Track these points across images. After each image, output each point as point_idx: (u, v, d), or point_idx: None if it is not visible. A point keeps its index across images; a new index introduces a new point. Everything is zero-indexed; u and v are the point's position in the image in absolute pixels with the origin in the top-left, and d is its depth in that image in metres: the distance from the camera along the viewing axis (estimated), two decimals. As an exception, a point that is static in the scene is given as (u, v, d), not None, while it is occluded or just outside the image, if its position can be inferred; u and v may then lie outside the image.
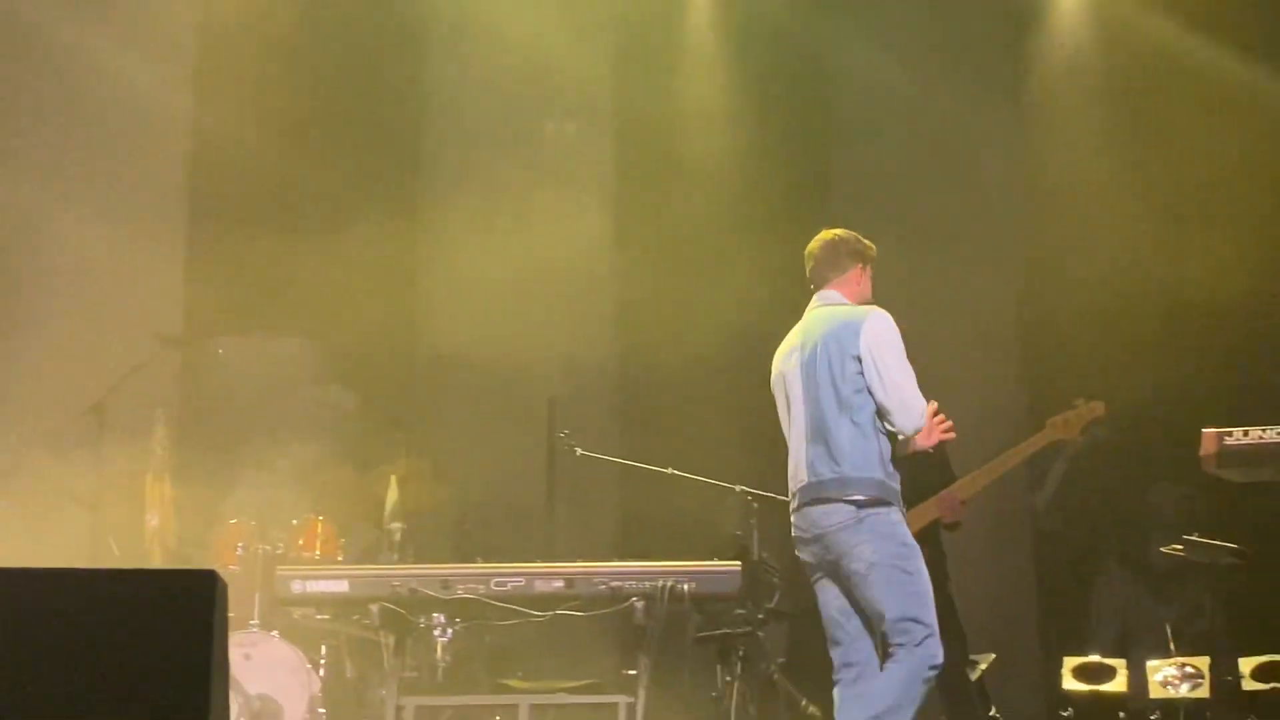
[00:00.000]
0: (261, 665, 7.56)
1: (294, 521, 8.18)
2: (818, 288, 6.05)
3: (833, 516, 5.70)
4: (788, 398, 5.95)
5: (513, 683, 7.37)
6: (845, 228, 8.47)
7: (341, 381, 9.24)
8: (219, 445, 8.43)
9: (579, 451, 7.89)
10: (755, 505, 7.54)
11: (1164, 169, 8.82)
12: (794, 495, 5.88)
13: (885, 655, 5.69)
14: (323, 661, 8.00)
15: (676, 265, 9.31)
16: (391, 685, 6.47)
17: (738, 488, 7.57)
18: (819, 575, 5.85)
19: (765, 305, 8.79)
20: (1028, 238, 9.39)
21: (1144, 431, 6.82)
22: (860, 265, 6.06)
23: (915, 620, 5.62)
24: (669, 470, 7.68)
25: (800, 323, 6.06)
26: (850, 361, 5.74)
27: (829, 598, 5.79)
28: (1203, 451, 6.02)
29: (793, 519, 5.92)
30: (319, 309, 9.10)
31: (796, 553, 5.95)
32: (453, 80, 9.75)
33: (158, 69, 9.07)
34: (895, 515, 5.72)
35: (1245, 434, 6.13)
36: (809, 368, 5.83)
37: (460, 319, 9.08)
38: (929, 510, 6.99)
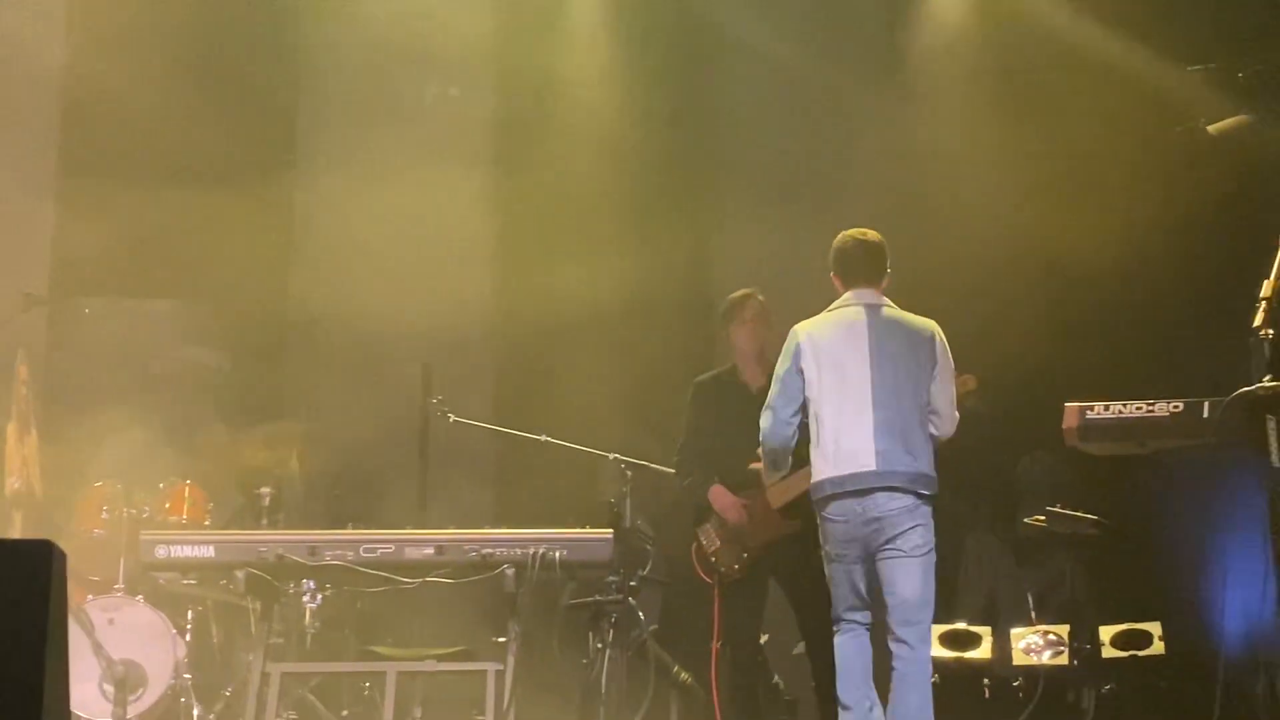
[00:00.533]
0: (125, 630, 7.48)
1: (161, 485, 8.08)
2: (856, 285, 6.38)
3: (898, 502, 6.15)
4: (839, 377, 6.28)
5: (381, 650, 7.31)
6: (728, 197, 8.50)
7: (213, 344, 9.13)
8: (84, 406, 8.28)
9: (452, 418, 7.84)
10: (629, 473, 7.51)
11: (1039, 144, 8.87)
12: (852, 477, 6.23)
13: (889, 634, 6.18)
14: (189, 627, 7.90)
15: (556, 232, 9.29)
16: (258, 651, 6.40)
17: (612, 455, 7.55)
18: (855, 556, 6.22)
19: (644, 274, 9.02)
20: (905, 212, 9.40)
21: (1016, 403, 6.88)
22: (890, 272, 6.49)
23: (931, 604, 6.23)
24: (543, 438, 7.66)
25: (855, 312, 6.36)
26: (928, 371, 6.26)
27: (856, 576, 6.23)
28: (1065, 425, 6.04)
29: (849, 501, 6.23)
30: (192, 269, 9.00)
31: (835, 528, 6.21)
32: (332, 42, 9.64)
33: (29, 19, 8.93)
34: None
35: (1106, 408, 6.13)
36: (889, 368, 6.24)
37: (336, 282, 9.01)
38: (805, 479, 6.81)
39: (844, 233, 6.52)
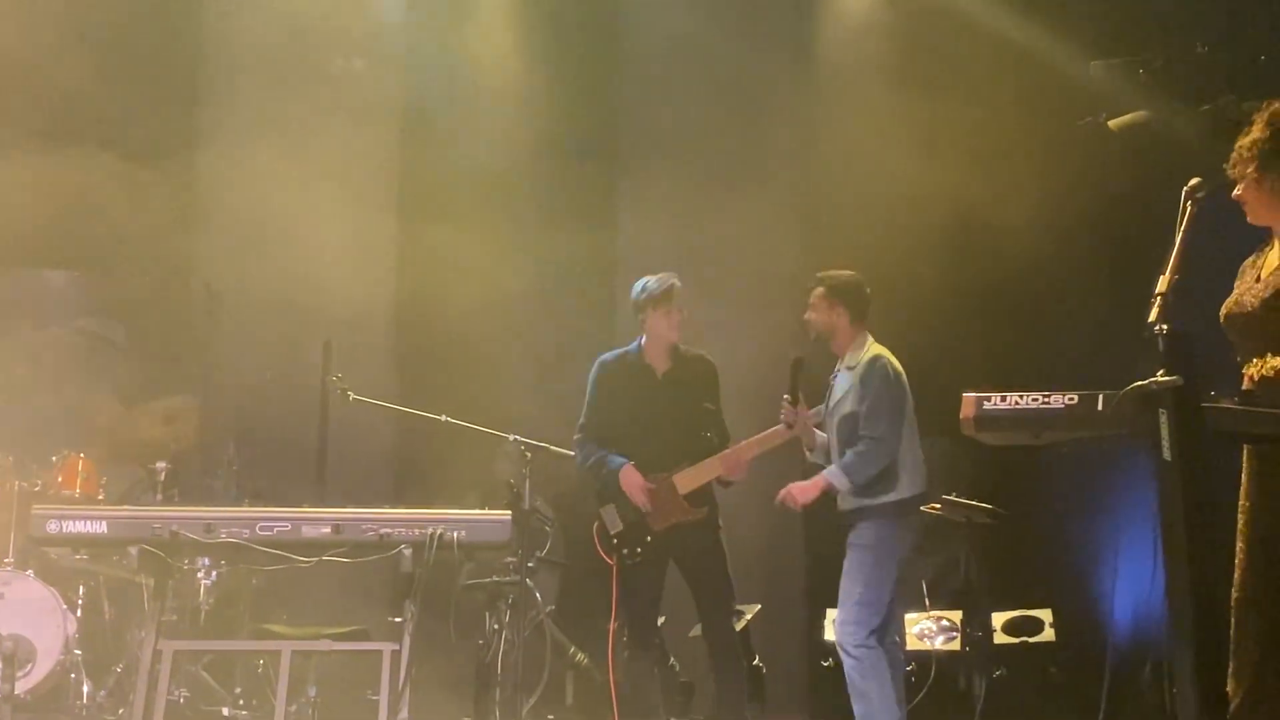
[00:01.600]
0: (14, 605, 7.38)
1: (53, 458, 7.96)
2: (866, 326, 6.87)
3: None
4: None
5: (276, 628, 7.23)
6: (635, 179, 8.80)
7: (110, 315, 9.02)
8: (-25, 377, 8.04)
9: (352, 396, 7.72)
10: (529, 455, 7.48)
11: (951, 129, 8.88)
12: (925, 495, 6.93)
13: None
14: (80, 602, 7.80)
15: (461, 209, 9.18)
16: (150, 628, 6.24)
17: (511, 437, 7.52)
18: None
19: (549, 255, 9.04)
20: (817, 196, 9.31)
21: (917, 388, 6.92)
22: None
23: None
24: (443, 418, 7.56)
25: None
26: None
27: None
28: (962, 414, 5.88)
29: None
30: (89, 240, 8.82)
31: (914, 537, 6.75)
32: (236, 9, 9.47)
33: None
34: None
35: (1003, 399, 5.95)
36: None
37: (237, 255, 8.83)
38: (712, 467, 6.98)
39: (851, 274, 6.91)
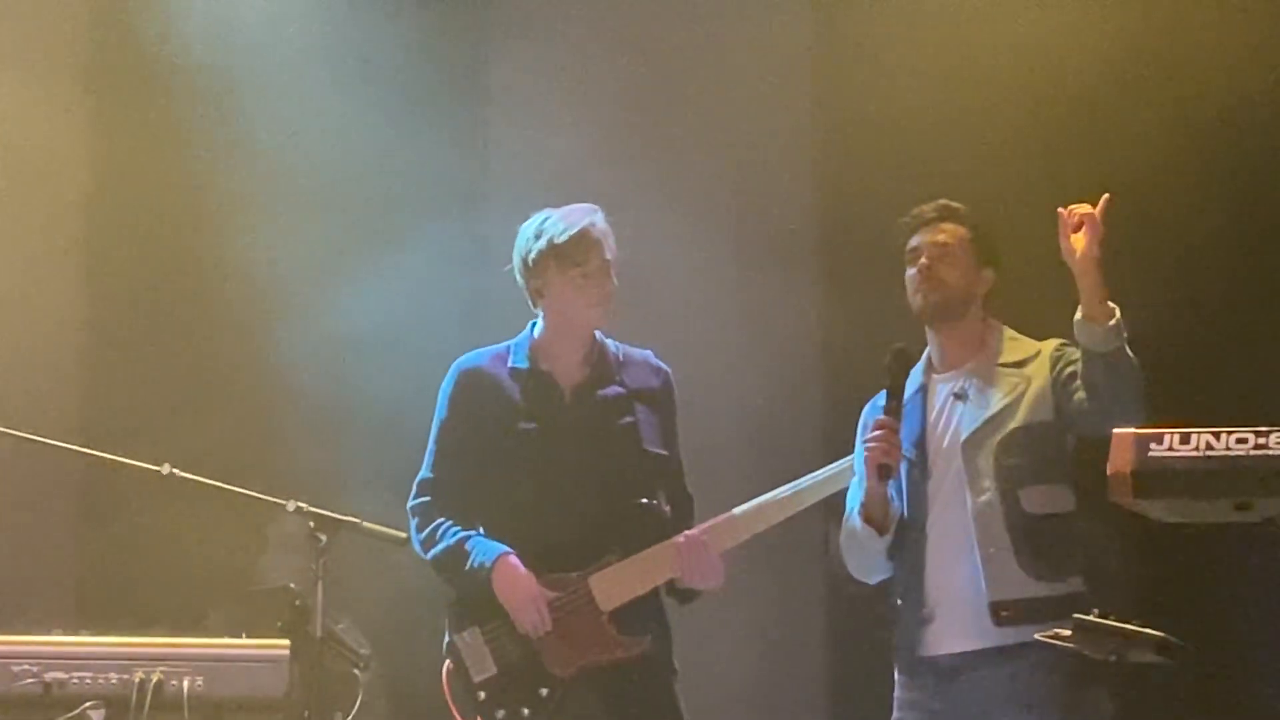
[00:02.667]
0: None
1: None
2: None
3: None
4: None
5: None
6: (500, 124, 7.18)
7: None
8: None
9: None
10: (322, 538, 5.22)
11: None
12: None
13: None
14: None
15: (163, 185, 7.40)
16: None
17: (291, 505, 5.31)
18: None
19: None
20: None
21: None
22: None
23: None
24: (165, 469, 5.37)
25: None
26: None
27: None
28: (1111, 468, 4.27)
29: None
30: None
31: None
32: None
33: None
34: None
35: (1184, 439, 4.40)
36: None
37: None
38: (660, 563, 4.69)
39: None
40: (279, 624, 5.15)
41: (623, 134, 6.89)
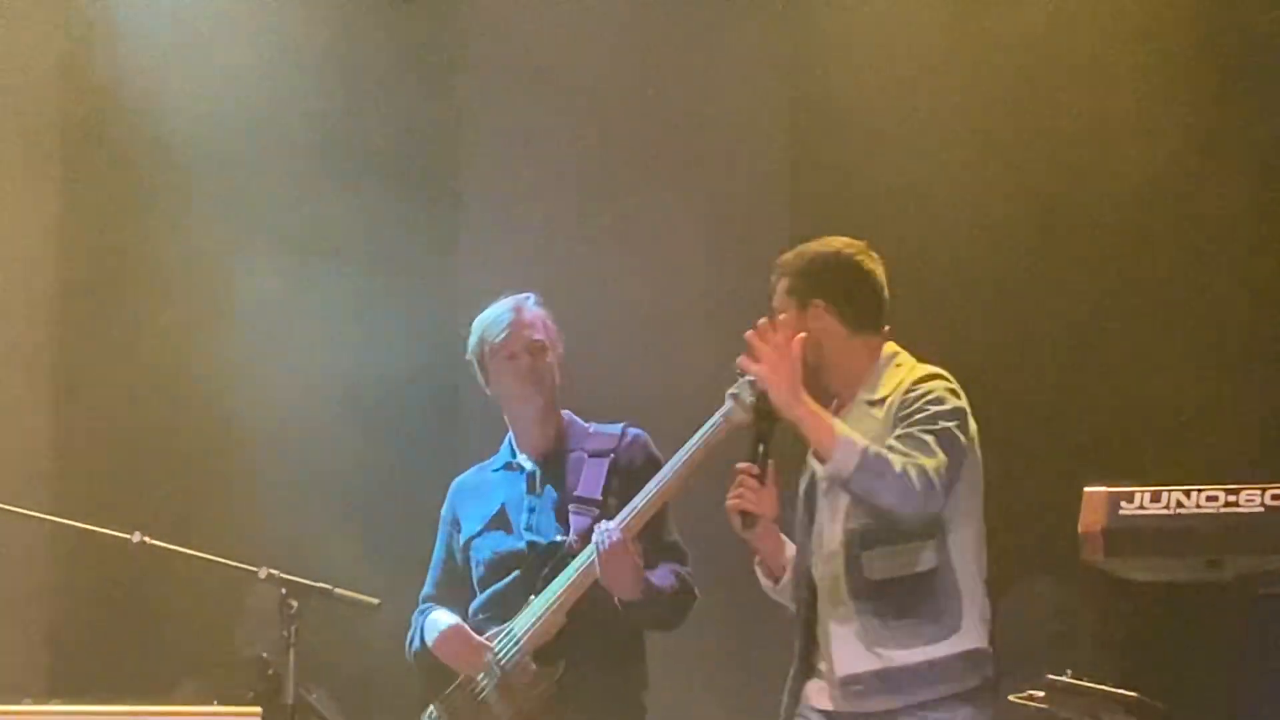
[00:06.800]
0: None
1: None
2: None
3: None
4: None
5: None
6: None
7: None
8: None
9: None
10: (293, 605, 5.11)
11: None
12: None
13: None
14: None
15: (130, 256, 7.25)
16: None
17: (263, 572, 5.21)
18: None
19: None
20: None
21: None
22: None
23: None
24: (135, 537, 5.21)
25: None
26: None
27: None
28: (1082, 526, 4.38)
29: None
30: None
31: None
32: None
33: None
34: None
35: (1154, 498, 4.39)
36: None
37: None
38: (573, 589, 4.66)
39: (853, 248, 4.34)
40: (250, 693, 5.10)
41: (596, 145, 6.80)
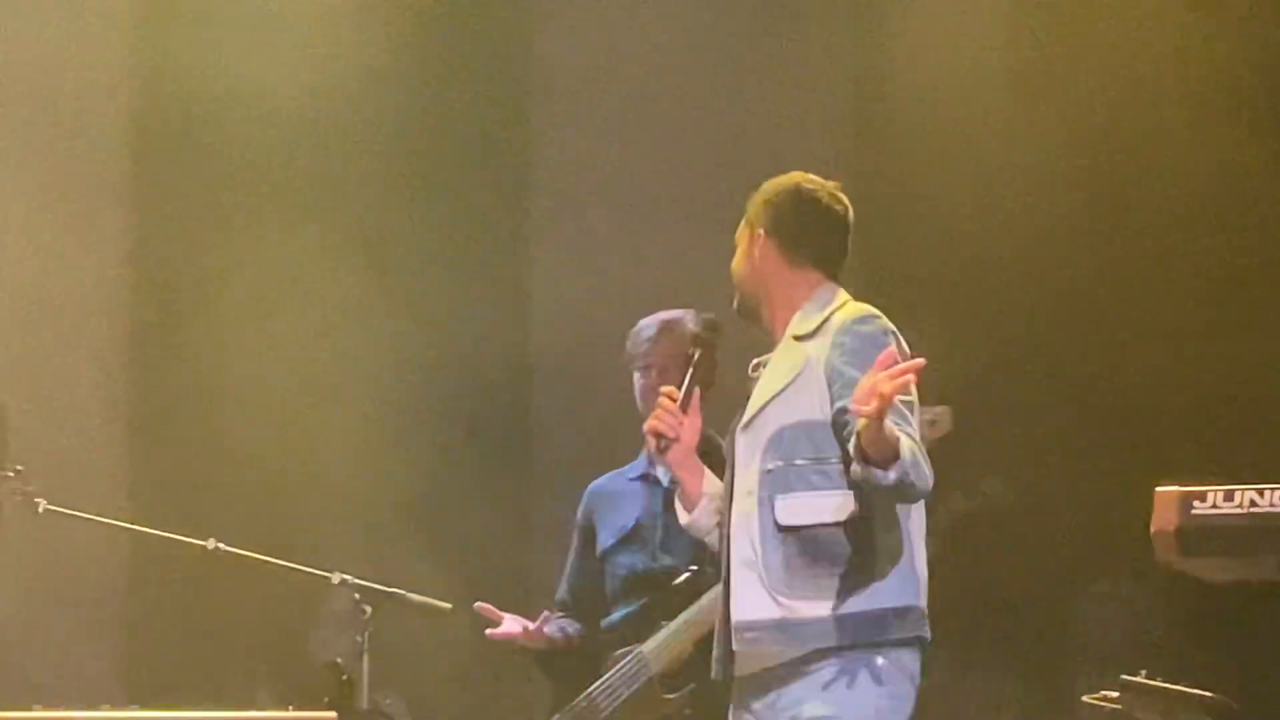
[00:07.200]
0: None
1: None
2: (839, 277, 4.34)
3: None
4: None
5: None
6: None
7: None
8: None
9: (42, 506, 5.45)
10: (367, 610, 5.27)
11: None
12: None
13: None
14: None
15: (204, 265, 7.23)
16: None
17: (337, 577, 5.34)
18: None
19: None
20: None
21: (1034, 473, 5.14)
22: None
23: None
24: (210, 544, 5.33)
25: None
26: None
27: None
28: (1154, 527, 4.21)
29: None
30: None
31: None
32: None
33: None
34: None
35: (1228, 497, 4.25)
36: None
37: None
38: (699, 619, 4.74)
39: (814, 184, 4.21)
40: (325, 699, 5.16)
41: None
